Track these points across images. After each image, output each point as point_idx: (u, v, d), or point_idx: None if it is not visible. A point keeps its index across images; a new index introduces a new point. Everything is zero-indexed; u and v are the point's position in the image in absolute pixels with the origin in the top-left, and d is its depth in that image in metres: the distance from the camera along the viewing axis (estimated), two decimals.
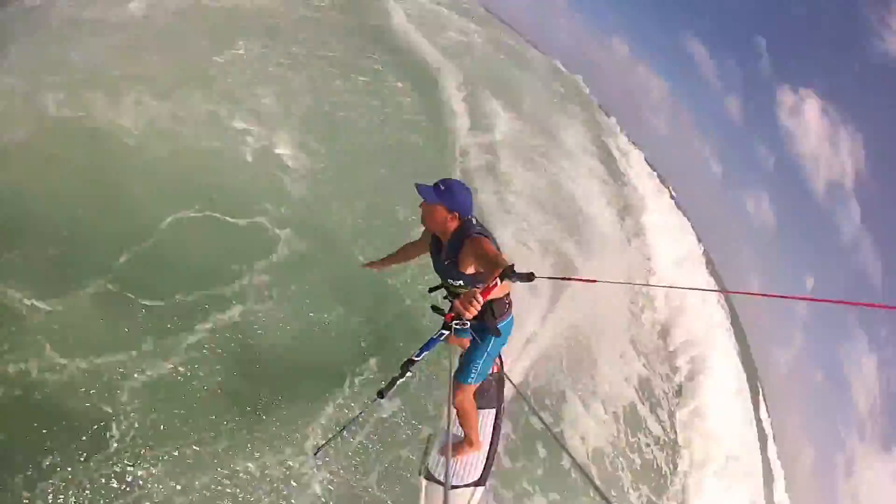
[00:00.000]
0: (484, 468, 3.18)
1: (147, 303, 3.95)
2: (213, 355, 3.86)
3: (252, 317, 4.21)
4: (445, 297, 2.83)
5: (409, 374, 2.45)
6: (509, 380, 3.36)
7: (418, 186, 2.50)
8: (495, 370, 3.86)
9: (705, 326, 9.10)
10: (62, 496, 2.92)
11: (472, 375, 2.85)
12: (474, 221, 2.54)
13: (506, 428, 4.38)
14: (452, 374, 2.66)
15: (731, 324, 12.01)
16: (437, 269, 2.78)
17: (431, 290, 2.92)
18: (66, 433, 3.15)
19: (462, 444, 3.29)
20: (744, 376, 12.00)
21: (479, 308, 1.95)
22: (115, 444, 3.19)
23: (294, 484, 3.46)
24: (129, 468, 3.14)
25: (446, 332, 2.51)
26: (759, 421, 11.18)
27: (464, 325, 2.46)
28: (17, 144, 4.76)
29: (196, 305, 4.07)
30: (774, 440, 11.70)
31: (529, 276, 2.08)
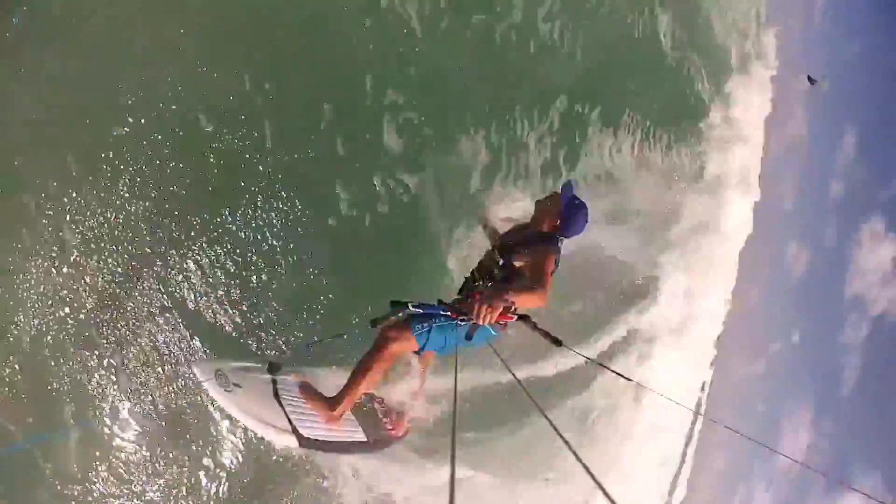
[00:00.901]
0: (310, 436, 2.73)
1: None
2: None
3: None
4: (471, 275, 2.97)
5: (400, 315, 2.52)
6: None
7: (568, 182, 2.85)
8: (399, 435, 3.37)
9: None
10: None
11: (420, 330, 2.60)
12: (562, 242, 2.77)
13: None
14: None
15: None
16: (501, 240, 3.00)
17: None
18: None
19: (322, 398, 2.92)
20: None
21: (490, 321, 2.14)
22: None
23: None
24: None
25: (448, 314, 2.55)
26: None
27: (468, 320, 2.34)
28: None
29: None
30: None
31: (557, 341, 2.33)
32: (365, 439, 3.10)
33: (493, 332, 2.70)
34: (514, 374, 2.07)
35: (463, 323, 2.47)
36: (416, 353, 2.83)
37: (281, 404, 2.77)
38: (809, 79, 21.25)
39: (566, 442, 1.31)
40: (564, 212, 2.74)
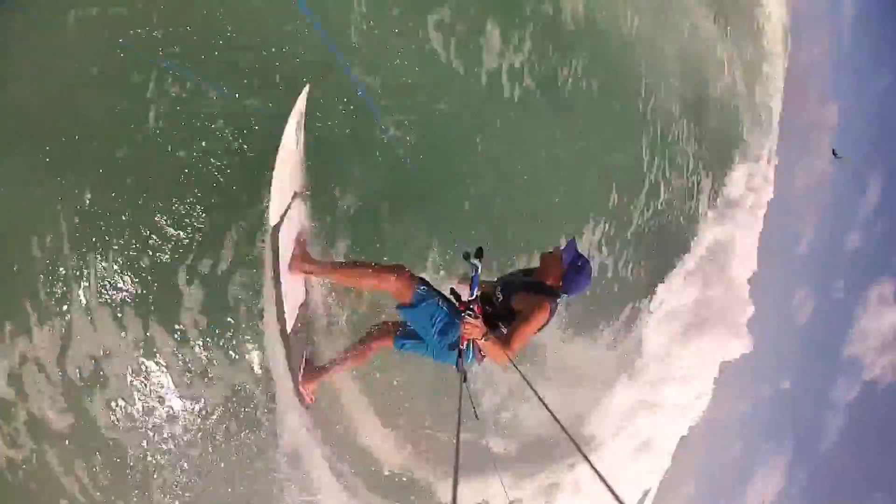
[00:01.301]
0: (280, 243, 2.81)
1: None
2: None
3: None
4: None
5: (480, 264, 2.59)
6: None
7: (570, 241, 2.82)
8: (300, 389, 3.24)
9: None
10: None
11: (422, 293, 2.79)
12: (562, 297, 2.83)
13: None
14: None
15: None
16: (505, 276, 3.06)
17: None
18: None
19: (306, 252, 3.06)
20: None
21: (469, 335, 2.43)
22: None
23: None
24: None
25: (460, 298, 2.69)
26: None
27: (468, 314, 2.45)
28: None
29: None
30: None
31: (475, 414, 2.92)
32: (290, 329, 3.02)
33: (469, 357, 2.77)
34: (531, 385, 2.10)
35: (467, 313, 2.47)
36: (399, 307, 2.93)
37: (283, 220, 2.85)
38: (834, 152, 21.53)
39: (578, 446, 1.60)
40: (567, 271, 2.76)
